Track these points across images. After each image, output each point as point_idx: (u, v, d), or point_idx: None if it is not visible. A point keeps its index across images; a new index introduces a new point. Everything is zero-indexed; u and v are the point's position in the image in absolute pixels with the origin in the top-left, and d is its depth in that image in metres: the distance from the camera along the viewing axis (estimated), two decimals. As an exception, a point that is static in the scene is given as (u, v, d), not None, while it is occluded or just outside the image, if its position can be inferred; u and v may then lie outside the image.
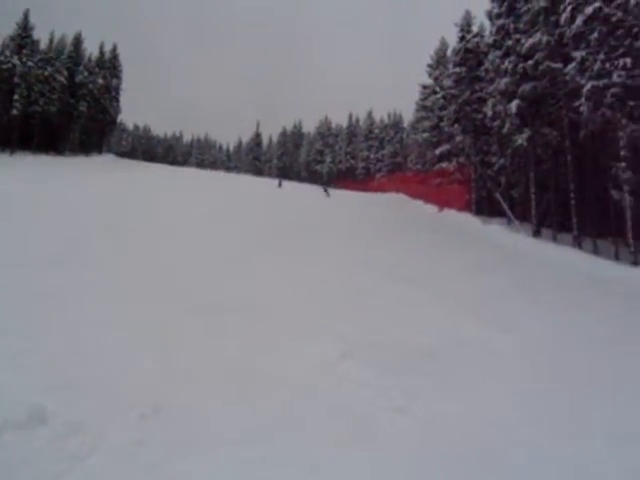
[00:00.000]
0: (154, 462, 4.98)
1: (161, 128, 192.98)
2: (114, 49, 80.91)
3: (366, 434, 5.91)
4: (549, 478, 5.40)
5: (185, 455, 5.17)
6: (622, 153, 24.25)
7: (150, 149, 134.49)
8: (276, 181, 58.90)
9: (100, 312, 9.17)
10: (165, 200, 27.68)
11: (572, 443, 6.07)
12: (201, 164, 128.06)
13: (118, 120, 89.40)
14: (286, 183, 59.70)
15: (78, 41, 75.21)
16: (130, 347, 7.76)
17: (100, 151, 77.37)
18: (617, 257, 26.74)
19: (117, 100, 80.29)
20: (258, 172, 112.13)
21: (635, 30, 23.36)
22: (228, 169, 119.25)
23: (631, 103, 23.97)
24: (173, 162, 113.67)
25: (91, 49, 78.49)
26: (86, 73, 73.33)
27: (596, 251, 27.92)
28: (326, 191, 48.47)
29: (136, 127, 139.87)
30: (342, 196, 47.51)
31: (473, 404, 7.08)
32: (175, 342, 8.21)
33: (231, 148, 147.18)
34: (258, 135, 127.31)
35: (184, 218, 21.76)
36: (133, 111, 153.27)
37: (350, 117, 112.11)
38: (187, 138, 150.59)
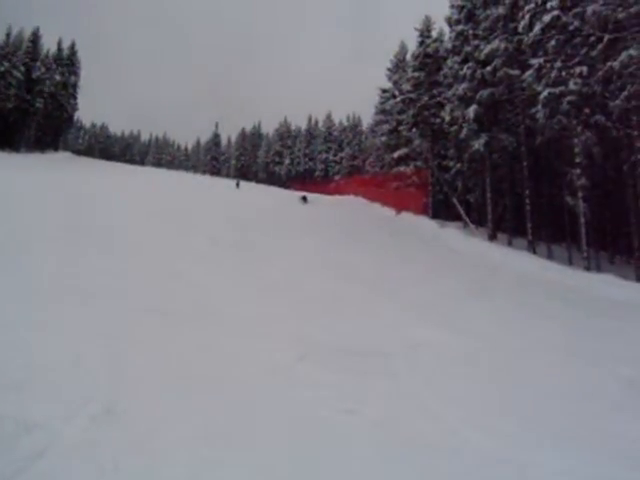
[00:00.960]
0: (108, 463, 4.90)
1: (118, 126, 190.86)
2: (72, 46, 79.68)
3: (319, 435, 5.89)
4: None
5: (139, 456, 5.09)
6: (577, 160, 24.58)
7: (107, 147, 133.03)
8: (233, 182, 58.89)
9: (47, 312, 9.00)
10: (112, 200, 27.34)
11: (518, 446, 6.10)
12: (158, 163, 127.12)
13: (75, 117, 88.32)
14: (245, 184, 59.63)
15: (36, 37, 73.70)
16: (79, 348, 7.62)
17: (56, 148, 76.15)
18: (571, 262, 27.12)
19: (74, 97, 79.07)
20: (216, 172, 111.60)
21: (592, 39, 23.69)
22: (187, 169, 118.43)
23: (586, 111, 24.33)
24: (130, 161, 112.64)
25: (49, 45, 77.26)
26: (43, 69, 72.20)
27: (550, 256, 28.31)
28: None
29: (93, 125, 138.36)
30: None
31: (424, 406, 7.10)
32: (126, 343, 8.10)
33: (189, 147, 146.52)
34: (217, 135, 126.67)
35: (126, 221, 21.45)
36: (90, 109, 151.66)
37: (309, 119, 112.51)
38: (145, 137, 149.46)
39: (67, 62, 77.95)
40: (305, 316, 11.17)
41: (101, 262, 13.54)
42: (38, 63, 72.28)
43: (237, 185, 54.44)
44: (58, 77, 74.13)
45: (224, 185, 54.64)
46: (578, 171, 24.44)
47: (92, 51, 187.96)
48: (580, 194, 24.61)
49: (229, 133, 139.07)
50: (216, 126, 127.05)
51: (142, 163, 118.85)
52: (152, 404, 6.19)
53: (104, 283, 11.60)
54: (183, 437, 5.51)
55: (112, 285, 11.55)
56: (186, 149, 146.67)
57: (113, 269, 13.01)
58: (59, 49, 77.89)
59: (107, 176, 43.33)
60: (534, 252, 27.99)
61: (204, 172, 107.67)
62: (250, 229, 22.86)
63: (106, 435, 5.40)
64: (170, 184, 44.03)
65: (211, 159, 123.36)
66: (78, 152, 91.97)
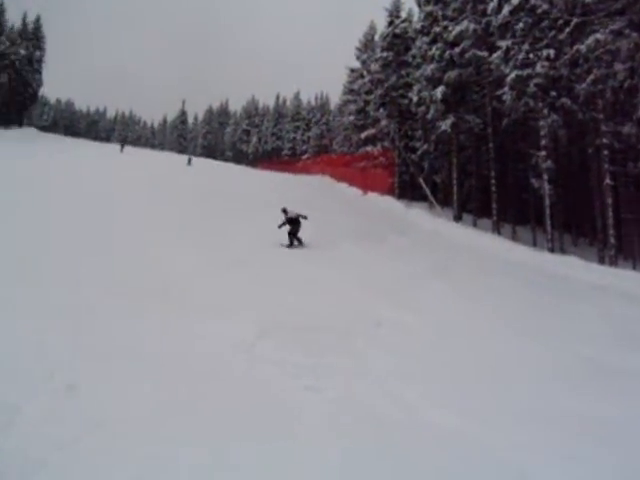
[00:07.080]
0: (67, 438, 4.90)
1: (84, 103, 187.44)
2: (37, 19, 78.28)
3: (279, 411, 5.92)
4: (452, 459, 5.46)
5: (98, 432, 5.09)
6: (542, 142, 24.79)
7: (72, 124, 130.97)
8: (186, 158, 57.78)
9: (13, 293, 8.97)
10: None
11: (481, 426, 6.15)
12: (124, 141, 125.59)
13: (40, 93, 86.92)
14: (199, 160, 58.73)
15: (0, 11, 72.63)
16: (43, 326, 7.60)
17: (21, 124, 75.11)
18: (535, 244, 27.37)
19: (39, 72, 77.77)
20: (183, 150, 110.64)
21: (559, 22, 23.80)
22: (154, 147, 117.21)
23: (553, 94, 24.49)
24: (96, 138, 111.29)
25: (14, 19, 76.00)
26: (8, 44, 70.94)
27: (515, 237, 28.52)
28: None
29: (58, 101, 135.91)
30: (267, 177, 46.93)
31: (383, 384, 7.14)
32: (91, 323, 8.07)
33: (156, 125, 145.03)
34: (184, 113, 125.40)
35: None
36: (56, 84, 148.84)
37: (277, 97, 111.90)
38: (111, 113, 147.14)
39: (32, 36, 76.59)
40: (267, 295, 11.18)
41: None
42: (2, 37, 70.95)
43: (189, 162, 52.72)
44: (23, 52, 72.83)
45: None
46: (544, 153, 24.64)
47: (56, 22, 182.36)
48: (545, 176, 24.81)
49: (196, 111, 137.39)
50: (183, 104, 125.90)
51: (108, 140, 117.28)
52: (114, 382, 6.21)
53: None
54: (144, 414, 5.57)
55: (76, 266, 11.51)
56: (152, 126, 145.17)
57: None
58: (24, 23, 76.52)
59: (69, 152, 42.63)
60: (499, 233, 28.23)
61: (171, 150, 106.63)
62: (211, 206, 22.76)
63: (67, 411, 5.43)
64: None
65: (178, 137, 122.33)
66: (43, 128, 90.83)
